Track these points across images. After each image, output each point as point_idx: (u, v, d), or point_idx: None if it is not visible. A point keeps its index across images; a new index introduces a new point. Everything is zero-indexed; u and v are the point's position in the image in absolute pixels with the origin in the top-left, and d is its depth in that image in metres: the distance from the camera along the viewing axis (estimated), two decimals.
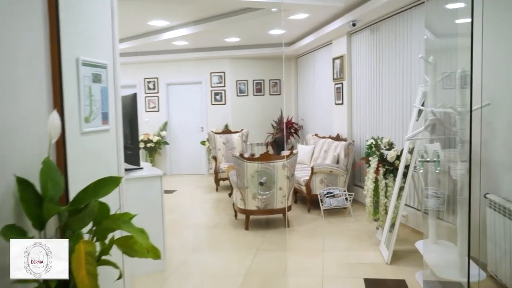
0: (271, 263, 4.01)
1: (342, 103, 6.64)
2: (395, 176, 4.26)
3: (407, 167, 4.04)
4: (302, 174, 6.10)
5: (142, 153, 9.45)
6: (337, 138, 6.54)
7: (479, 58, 2.72)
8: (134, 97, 3.74)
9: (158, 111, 9.58)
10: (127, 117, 3.97)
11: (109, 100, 2.53)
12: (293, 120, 9.30)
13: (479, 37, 2.65)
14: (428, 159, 2.80)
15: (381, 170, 4.22)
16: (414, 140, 3.63)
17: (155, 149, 9.30)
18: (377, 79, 5.62)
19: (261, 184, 4.66)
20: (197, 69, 9.35)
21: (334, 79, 6.91)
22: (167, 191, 7.68)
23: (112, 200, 1.96)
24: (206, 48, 8.83)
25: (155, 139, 9.16)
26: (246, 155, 8.03)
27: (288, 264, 3.95)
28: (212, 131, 8.24)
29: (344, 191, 5.63)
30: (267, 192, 4.92)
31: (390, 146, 4.41)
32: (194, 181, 8.67)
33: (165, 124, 9.53)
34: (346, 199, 5.54)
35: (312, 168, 5.73)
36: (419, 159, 2.83)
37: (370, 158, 4.31)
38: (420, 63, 4.60)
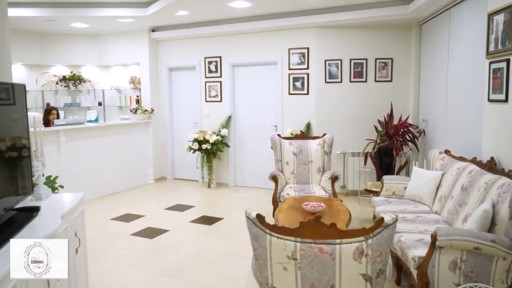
0: None
1: (505, 100, 3.40)
2: None
3: None
4: (413, 235, 3.11)
5: (197, 156, 7.23)
6: (490, 166, 3.34)
7: None
8: None
9: (220, 101, 7.22)
10: None
11: None
12: (409, 121, 6.10)
13: None
14: None
15: None
16: None
17: (212, 151, 6.99)
18: None
19: None
20: (270, 44, 6.69)
21: (489, 53, 3.67)
22: (208, 219, 5.30)
23: None
24: (279, 13, 6.13)
25: (213, 138, 6.84)
26: (326, 176, 5.15)
27: None
28: (278, 135, 5.56)
29: None
30: None
31: None
32: (256, 201, 6.14)
33: (229, 119, 7.14)
34: None
35: (434, 238, 2.72)
36: None
37: None
38: None
